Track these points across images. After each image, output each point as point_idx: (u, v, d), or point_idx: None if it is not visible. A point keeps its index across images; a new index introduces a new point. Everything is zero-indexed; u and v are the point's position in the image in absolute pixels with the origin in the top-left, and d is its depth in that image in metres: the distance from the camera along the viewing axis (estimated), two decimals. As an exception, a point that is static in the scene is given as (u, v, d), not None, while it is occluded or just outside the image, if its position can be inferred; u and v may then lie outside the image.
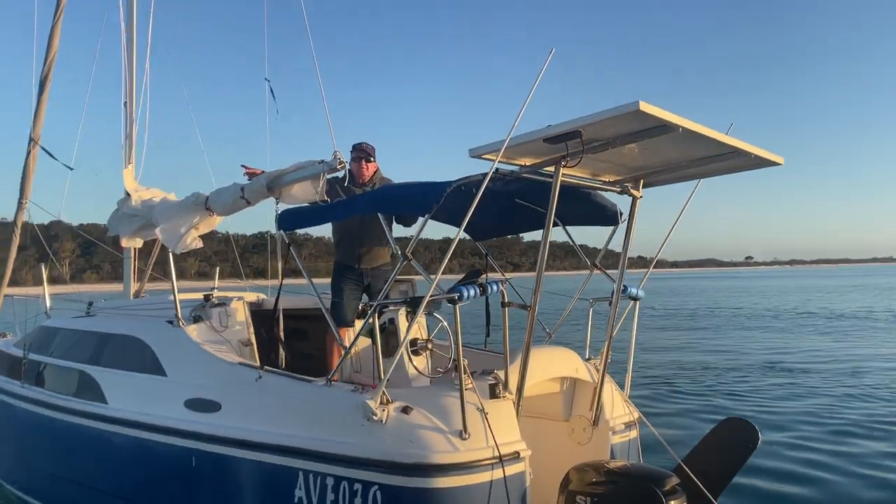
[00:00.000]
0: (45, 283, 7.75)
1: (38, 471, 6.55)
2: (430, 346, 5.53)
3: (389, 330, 5.39)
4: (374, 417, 4.04)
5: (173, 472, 5.15)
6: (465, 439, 3.97)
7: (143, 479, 5.40)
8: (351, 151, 6.26)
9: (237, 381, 4.99)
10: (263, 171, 5.83)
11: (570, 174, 4.45)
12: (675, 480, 4.17)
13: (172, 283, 5.65)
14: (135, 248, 8.00)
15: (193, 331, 5.58)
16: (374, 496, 4.00)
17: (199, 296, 6.92)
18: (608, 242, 5.24)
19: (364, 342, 6.65)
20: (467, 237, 6.04)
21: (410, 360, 5.01)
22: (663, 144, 3.99)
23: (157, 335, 5.70)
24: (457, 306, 4.00)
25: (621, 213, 5.23)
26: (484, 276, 4.28)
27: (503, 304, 4.30)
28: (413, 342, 5.29)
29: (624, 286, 4.98)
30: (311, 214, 5.33)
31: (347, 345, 6.14)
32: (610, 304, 5.05)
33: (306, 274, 5.16)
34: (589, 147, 3.83)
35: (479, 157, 4.01)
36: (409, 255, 4.33)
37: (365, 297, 6.12)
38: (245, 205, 6.11)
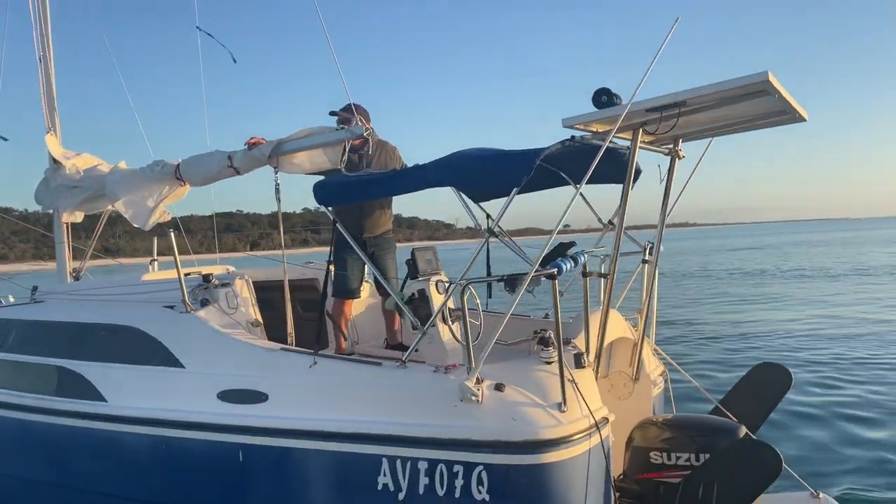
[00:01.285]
0: None
1: (7, 477, 5.84)
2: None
3: (418, 301, 5.24)
4: (473, 398, 3.92)
5: (214, 470, 4.75)
6: (563, 412, 3.94)
7: (172, 480, 4.94)
8: (331, 114, 5.86)
9: (284, 367, 4.65)
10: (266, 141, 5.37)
11: (620, 137, 4.43)
12: (744, 430, 4.39)
13: (176, 263, 5.09)
14: (67, 225, 7.17)
15: (205, 315, 5.11)
16: (479, 476, 3.91)
17: (166, 275, 6.37)
18: (625, 201, 5.21)
19: (359, 308, 6.44)
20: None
21: (451, 331, 4.91)
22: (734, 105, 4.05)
23: (161, 323, 5.17)
24: (555, 281, 3.91)
25: (640, 171, 5.26)
26: (573, 246, 4.21)
27: (584, 274, 4.26)
28: (450, 312, 5.18)
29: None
30: (359, 187, 4.95)
31: (349, 317, 5.92)
32: (644, 262, 5.12)
33: (357, 245, 4.87)
34: (683, 113, 3.82)
35: (573, 126, 3.90)
36: (494, 230, 4.16)
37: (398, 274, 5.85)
38: (232, 174, 5.65)
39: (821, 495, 4.98)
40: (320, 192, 4.96)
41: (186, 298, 5.15)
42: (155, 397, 4.99)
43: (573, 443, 3.90)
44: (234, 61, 7.88)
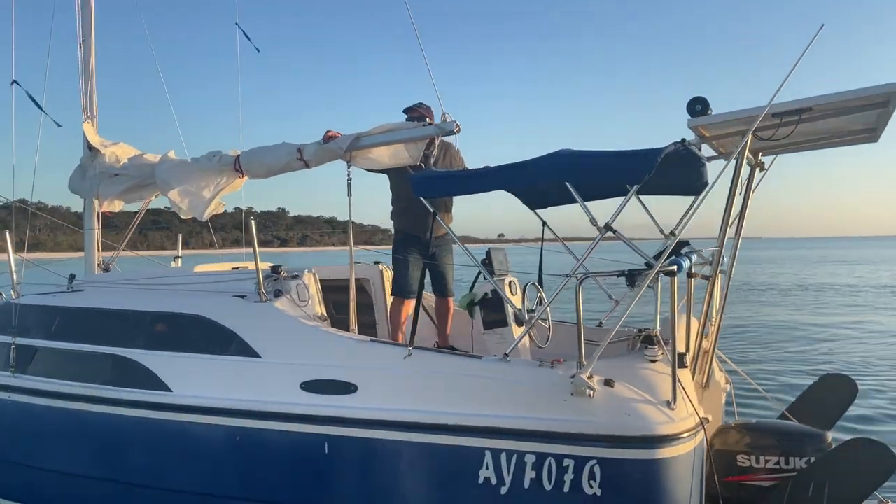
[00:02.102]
0: (11, 254, 6.48)
1: (50, 472, 5.55)
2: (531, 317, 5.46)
3: (491, 302, 5.25)
4: (588, 392, 3.93)
5: (296, 462, 4.62)
6: (673, 409, 3.99)
7: (246, 472, 4.77)
8: (405, 112, 5.89)
9: (375, 359, 4.58)
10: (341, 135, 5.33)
11: (715, 144, 4.55)
12: (829, 436, 4.50)
13: (255, 252, 4.97)
14: (99, 214, 6.96)
15: (282, 307, 5.01)
16: (591, 471, 3.91)
17: (224, 267, 6.25)
18: (691, 212, 5.23)
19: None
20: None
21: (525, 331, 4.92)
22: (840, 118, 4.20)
23: (234, 312, 5.04)
24: (674, 278, 3.96)
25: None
26: (687, 247, 4.26)
27: (690, 275, 4.32)
28: (523, 314, 5.20)
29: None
30: (462, 181, 4.92)
31: (406, 317, 5.88)
32: (721, 272, 5.04)
33: (457, 239, 4.81)
34: (803, 120, 3.94)
35: (696, 127, 3.99)
36: (611, 225, 4.20)
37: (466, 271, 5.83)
38: (301, 167, 5.59)
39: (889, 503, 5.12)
40: (422, 184, 4.92)
41: (263, 288, 5.04)
42: (227, 387, 4.85)
43: (683, 440, 3.94)
44: (258, 51, 7.85)
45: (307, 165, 5.52)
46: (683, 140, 4.19)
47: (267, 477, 4.72)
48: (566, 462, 3.96)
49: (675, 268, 3.94)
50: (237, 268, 6.31)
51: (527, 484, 4.05)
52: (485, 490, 4.13)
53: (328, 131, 5.36)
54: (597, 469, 3.91)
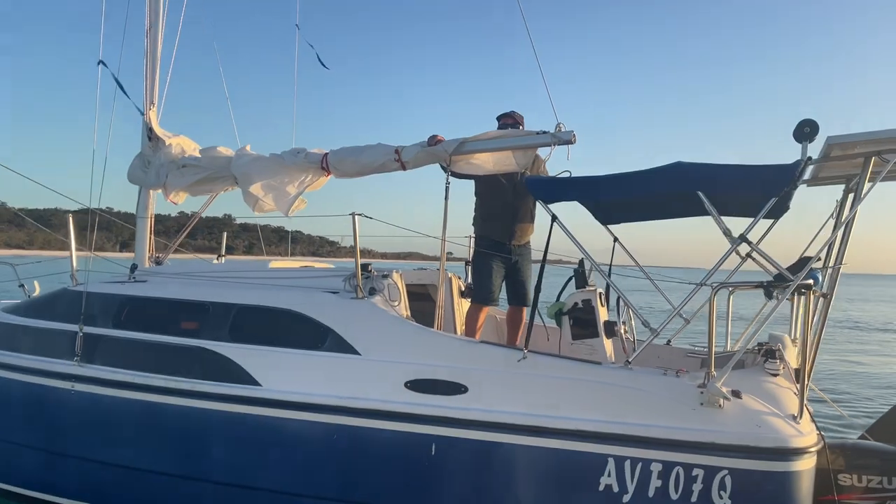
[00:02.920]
0: (73, 240, 6.25)
1: (118, 467, 5.32)
2: (623, 329, 5.53)
3: (581, 312, 5.29)
4: (720, 402, 4.00)
5: (399, 462, 4.56)
6: (798, 423, 4.08)
7: (345, 470, 4.67)
8: (498, 119, 5.96)
9: (487, 361, 4.57)
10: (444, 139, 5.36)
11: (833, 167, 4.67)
12: None
13: (356, 248, 4.93)
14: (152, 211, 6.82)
15: (380, 305, 4.98)
16: (722, 481, 3.96)
17: (296, 264, 6.18)
18: (767, 231, 5.30)
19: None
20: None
21: (611, 340, 4.99)
22: None
23: (331, 309, 4.97)
24: (811, 291, 4.06)
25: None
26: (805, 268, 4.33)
27: (822, 295, 4.38)
28: (607, 324, 5.26)
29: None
30: (583, 187, 4.92)
31: (482, 323, 5.89)
32: (823, 296, 4.64)
33: (580, 246, 4.80)
34: None
35: (834, 145, 4.09)
36: (746, 237, 4.29)
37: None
38: (396, 168, 5.58)
39: None
40: (542, 187, 4.96)
41: (361, 284, 5.00)
42: (322, 383, 4.77)
43: (809, 454, 4.04)
44: (326, 67, 7.82)
45: (404, 167, 5.52)
46: (809, 158, 4.28)
47: (365, 476, 4.64)
48: (695, 472, 4.01)
49: (811, 282, 4.05)
50: (306, 266, 6.25)
51: (651, 492, 4.08)
52: (605, 497, 4.15)
53: (435, 135, 5.37)
54: (728, 479, 3.97)
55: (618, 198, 4.96)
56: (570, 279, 5.49)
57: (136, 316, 5.55)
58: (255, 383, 4.91)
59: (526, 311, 6.09)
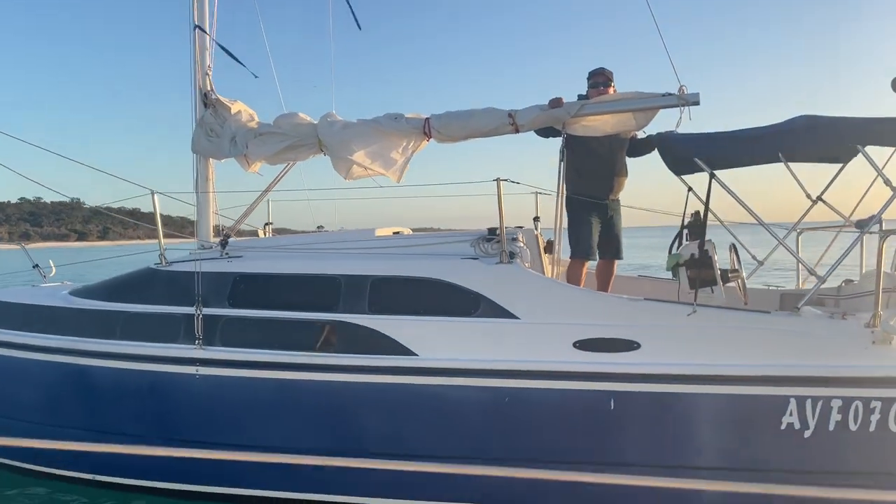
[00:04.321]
0: (158, 215, 5.86)
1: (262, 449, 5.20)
2: (741, 275, 5.85)
3: (701, 260, 5.58)
4: (893, 340, 4.42)
5: (578, 419, 4.75)
6: None
7: (517, 432, 4.83)
8: (588, 78, 6.04)
9: (656, 317, 4.79)
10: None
11: None
12: None
13: (501, 214, 4.98)
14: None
15: (527, 268, 5.09)
16: None
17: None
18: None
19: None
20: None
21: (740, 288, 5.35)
22: None
23: (479, 275, 5.02)
24: None
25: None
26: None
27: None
28: (724, 272, 5.59)
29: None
30: (743, 143, 5.07)
31: (582, 278, 6.10)
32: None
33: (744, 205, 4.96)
34: None
35: None
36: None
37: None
38: (510, 131, 5.59)
39: None
40: (703, 145, 5.08)
41: (505, 248, 5.07)
42: (482, 349, 4.87)
43: None
44: (359, 28, 7.55)
45: (517, 130, 5.55)
46: None
47: (540, 435, 4.82)
48: (873, 404, 4.43)
49: None
50: (397, 232, 6.20)
51: (832, 426, 4.49)
52: (787, 435, 4.52)
53: (557, 98, 5.42)
54: None
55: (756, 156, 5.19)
56: (678, 233, 5.72)
57: (257, 293, 5.38)
58: (412, 353, 4.93)
59: (616, 264, 6.34)
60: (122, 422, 5.52)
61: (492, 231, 5.30)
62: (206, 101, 6.39)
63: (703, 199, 5.06)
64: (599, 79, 5.96)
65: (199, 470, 5.41)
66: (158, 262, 5.80)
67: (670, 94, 5.23)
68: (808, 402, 4.51)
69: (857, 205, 5.66)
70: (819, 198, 6.03)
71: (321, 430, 5.15)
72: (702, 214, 5.71)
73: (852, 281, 5.89)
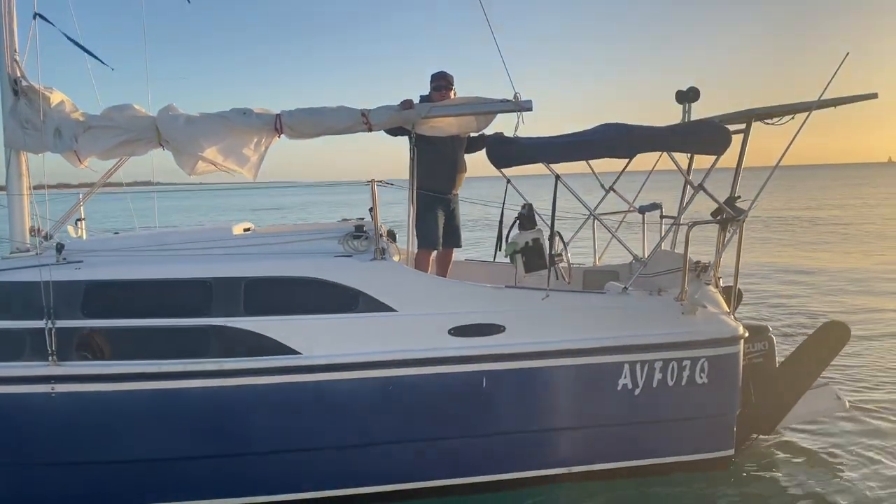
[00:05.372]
0: None
1: (150, 461, 4.97)
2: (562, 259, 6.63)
3: (534, 248, 6.30)
4: (697, 310, 5.42)
5: (455, 399, 5.19)
6: (734, 318, 5.69)
7: (405, 417, 5.14)
8: (431, 81, 6.46)
9: (517, 302, 5.33)
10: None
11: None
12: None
13: (375, 214, 5.21)
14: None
15: (397, 262, 5.40)
16: (702, 366, 5.43)
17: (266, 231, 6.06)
18: (712, 166, 6.02)
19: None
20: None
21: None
22: None
23: (356, 272, 5.21)
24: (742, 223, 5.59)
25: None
26: None
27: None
28: (550, 257, 6.37)
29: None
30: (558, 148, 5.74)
31: (429, 266, 6.59)
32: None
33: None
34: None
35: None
36: (704, 186, 5.61)
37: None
38: (363, 129, 5.82)
39: None
40: (532, 148, 5.71)
41: (380, 246, 5.35)
42: (365, 342, 5.14)
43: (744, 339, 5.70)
44: (188, 1, 7.26)
45: (370, 129, 5.79)
46: None
47: (424, 417, 5.22)
48: (685, 363, 5.43)
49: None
50: (248, 229, 6.16)
51: (655, 384, 5.42)
52: (622, 393, 5.40)
53: (409, 100, 5.74)
54: (706, 364, 5.46)
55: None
56: (514, 222, 6.36)
57: (118, 301, 5.11)
58: (295, 352, 5.04)
59: (454, 253, 6.88)
60: None
61: (358, 228, 5.53)
62: (17, 88, 5.81)
63: (546, 195, 5.73)
64: (442, 82, 6.40)
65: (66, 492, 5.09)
66: None
67: (507, 101, 5.79)
68: (638, 366, 5.39)
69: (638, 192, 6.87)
70: (611, 188, 7.05)
71: (207, 435, 5.10)
72: (533, 208, 6.43)
73: (640, 258, 6.95)
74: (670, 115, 6.51)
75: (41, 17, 5.43)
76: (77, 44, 5.65)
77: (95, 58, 5.91)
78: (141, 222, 6.98)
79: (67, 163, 5.91)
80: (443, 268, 6.87)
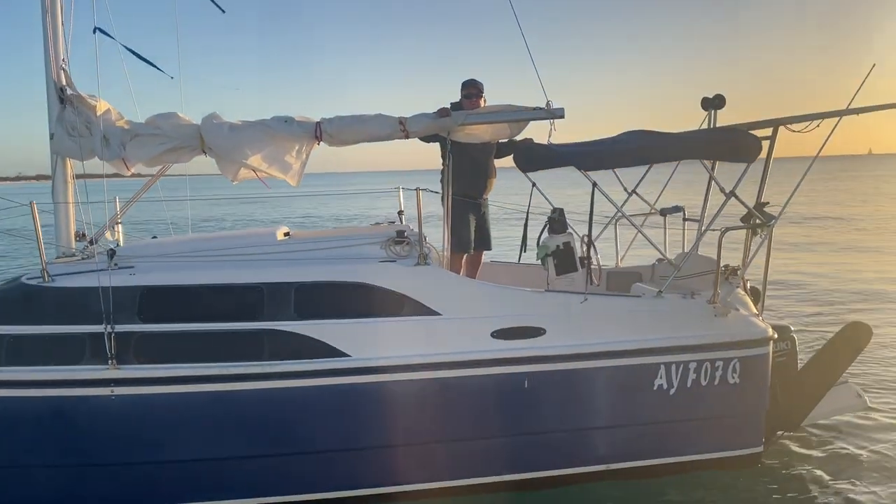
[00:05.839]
0: (40, 231, 5.28)
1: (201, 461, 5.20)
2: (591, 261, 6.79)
3: (566, 251, 6.47)
4: (730, 313, 5.59)
5: (499, 399, 5.37)
6: (762, 320, 5.87)
7: (448, 417, 5.32)
8: (462, 89, 6.62)
9: (557, 306, 5.51)
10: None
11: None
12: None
13: (419, 221, 5.38)
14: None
15: (440, 268, 5.57)
16: (734, 366, 5.62)
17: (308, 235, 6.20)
18: (743, 173, 6.24)
19: None
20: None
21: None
22: None
23: (401, 277, 5.38)
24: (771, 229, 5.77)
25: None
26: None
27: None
28: (581, 259, 6.54)
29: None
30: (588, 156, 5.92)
31: (462, 270, 6.75)
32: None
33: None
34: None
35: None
36: (735, 193, 5.78)
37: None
38: (400, 137, 5.98)
39: None
40: (562, 154, 5.90)
41: (423, 252, 5.51)
42: (411, 345, 5.31)
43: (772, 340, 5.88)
44: (223, 11, 7.39)
45: (407, 136, 5.95)
46: None
47: (468, 417, 5.40)
48: (718, 363, 5.62)
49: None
50: (287, 234, 6.32)
51: (689, 384, 5.60)
52: (658, 393, 5.58)
53: (444, 108, 5.91)
54: (737, 364, 5.64)
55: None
56: (545, 227, 6.53)
57: (172, 306, 5.27)
58: (344, 355, 5.21)
59: (484, 255, 7.05)
60: (18, 454, 5.14)
61: (400, 234, 5.70)
62: (63, 96, 5.96)
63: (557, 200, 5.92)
64: (472, 90, 6.56)
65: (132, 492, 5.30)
66: (39, 278, 5.36)
67: (540, 108, 5.94)
68: (673, 367, 5.57)
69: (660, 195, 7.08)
70: (633, 191, 7.20)
71: (259, 435, 5.29)
72: (564, 213, 6.60)
73: (664, 260, 7.13)
74: (670, 118, 6.72)
75: (101, 31, 5.56)
76: (137, 55, 5.78)
77: (156, 67, 6.04)
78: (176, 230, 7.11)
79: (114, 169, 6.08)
80: (473, 270, 7.04)
